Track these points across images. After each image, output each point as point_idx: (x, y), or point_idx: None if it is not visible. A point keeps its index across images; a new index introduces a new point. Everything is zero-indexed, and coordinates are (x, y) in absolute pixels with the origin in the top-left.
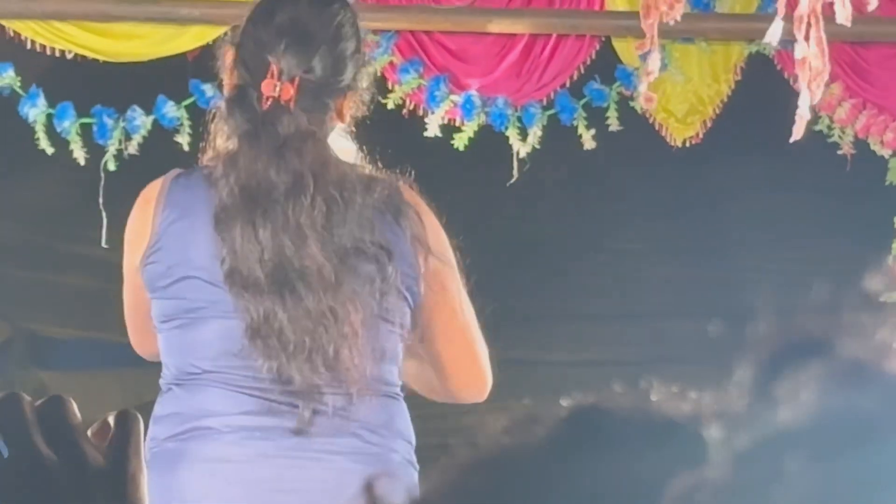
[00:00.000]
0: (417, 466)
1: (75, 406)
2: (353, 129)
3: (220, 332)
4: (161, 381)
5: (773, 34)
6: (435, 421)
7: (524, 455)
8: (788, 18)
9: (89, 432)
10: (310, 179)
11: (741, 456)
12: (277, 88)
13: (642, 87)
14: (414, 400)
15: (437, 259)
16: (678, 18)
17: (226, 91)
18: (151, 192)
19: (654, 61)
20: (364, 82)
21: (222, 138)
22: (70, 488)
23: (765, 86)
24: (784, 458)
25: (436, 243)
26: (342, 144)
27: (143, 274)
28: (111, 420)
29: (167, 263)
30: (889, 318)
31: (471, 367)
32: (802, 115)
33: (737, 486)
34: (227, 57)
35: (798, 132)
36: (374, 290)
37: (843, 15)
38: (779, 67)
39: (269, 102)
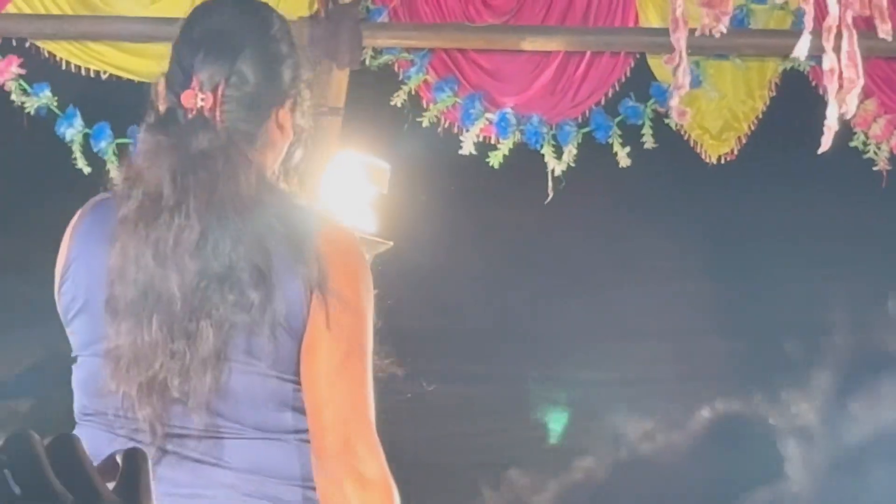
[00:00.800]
0: None
1: (84, 443)
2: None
3: (96, 365)
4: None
5: (801, 48)
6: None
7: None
8: (818, 33)
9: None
10: (191, 198)
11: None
12: (196, 99)
13: (674, 102)
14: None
15: (335, 299)
16: (724, 31)
17: (148, 118)
18: (73, 220)
19: (684, 75)
20: (303, 93)
21: (140, 158)
22: None
23: (800, 102)
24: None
25: (340, 284)
26: (377, 164)
27: (59, 304)
28: (118, 458)
29: (71, 294)
30: None
31: (353, 440)
32: (831, 126)
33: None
34: (160, 86)
35: (826, 143)
36: (240, 321)
37: (885, 29)
38: (813, 83)
39: (191, 115)
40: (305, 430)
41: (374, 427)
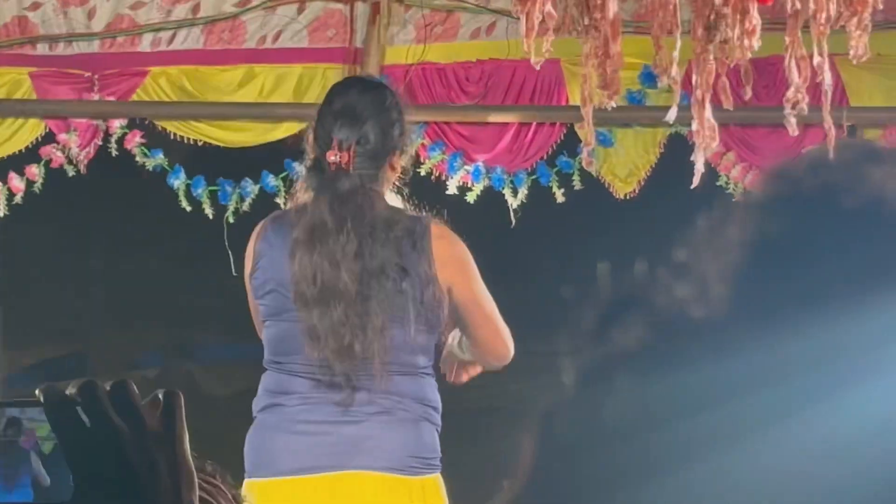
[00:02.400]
0: (437, 423)
1: (135, 387)
2: (401, 186)
3: (288, 333)
4: (264, 358)
5: (671, 115)
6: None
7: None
8: (687, 107)
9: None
10: (349, 221)
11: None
12: (337, 156)
13: (584, 154)
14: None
15: (454, 269)
16: (614, 105)
17: (308, 160)
18: (257, 229)
19: (591, 136)
20: (407, 143)
21: (302, 193)
22: (135, 448)
23: (680, 155)
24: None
25: (452, 257)
26: (392, 199)
27: (251, 284)
28: (160, 395)
29: (262, 279)
30: None
31: (496, 343)
32: (699, 169)
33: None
34: (309, 137)
35: (696, 181)
36: (394, 300)
37: (727, 103)
38: (690, 142)
39: (333, 167)
40: (427, 366)
41: (508, 339)
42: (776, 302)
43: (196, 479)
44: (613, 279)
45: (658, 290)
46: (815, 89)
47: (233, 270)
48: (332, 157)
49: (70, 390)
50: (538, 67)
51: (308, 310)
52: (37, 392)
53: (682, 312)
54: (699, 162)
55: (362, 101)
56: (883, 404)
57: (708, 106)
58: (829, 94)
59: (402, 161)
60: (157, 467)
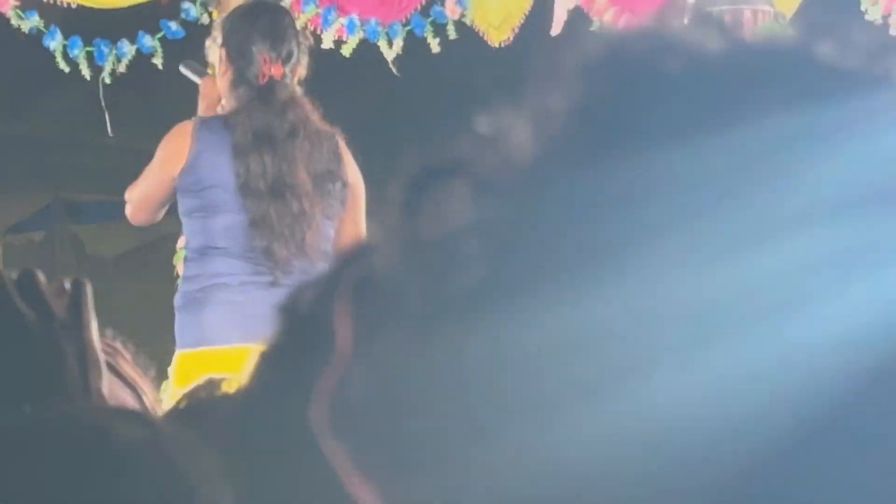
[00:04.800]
0: None
1: (42, 275)
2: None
3: (231, 222)
4: (186, 252)
5: None
6: None
7: None
8: None
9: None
10: (301, 128)
11: None
12: (271, 69)
13: (449, 2)
14: None
15: (355, 184)
16: None
17: (225, 74)
18: (185, 129)
19: None
20: (304, 58)
21: (228, 101)
22: (43, 335)
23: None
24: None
25: (354, 173)
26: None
27: (178, 181)
28: (67, 284)
29: (197, 176)
30: None
31: (358, 234)
32: (560, 15)
33: None
34: (219, 53)
35: (557, 28)
36: (330, 199)
37: None
38: None
39: (264, 79)
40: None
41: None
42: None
43: (104, 367)
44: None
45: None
46: None
47: (108, 131)
48: (268, 70)
49: None
50: None
51: (260, 203)
52: None
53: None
54: (559, 8)
55: (283, 22)
56: (804, 333)
57: None
58: None
59: (301, 72)
60: (65, 355)
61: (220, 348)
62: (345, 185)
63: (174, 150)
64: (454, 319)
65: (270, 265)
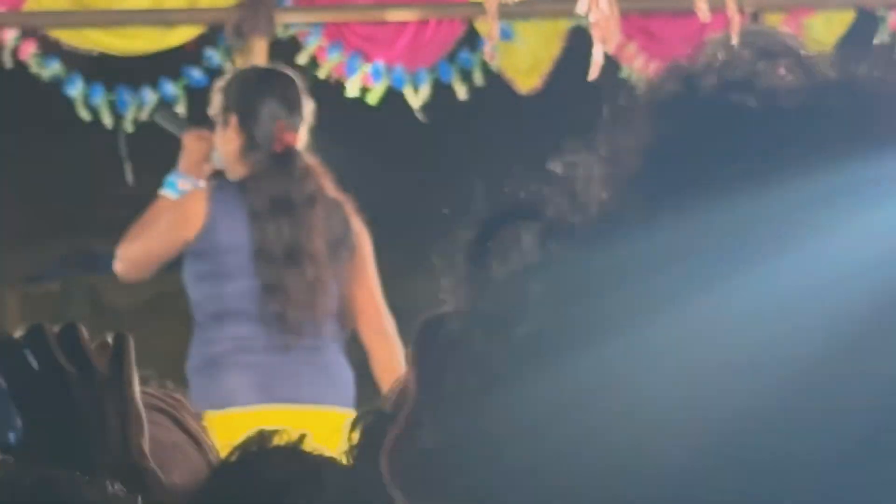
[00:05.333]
0: None
1: (85, 331)
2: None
3: (244, 288)
4: (197, 315)
5: (581, 7)
6: None
7: None
8: None
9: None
10: (318, 196)
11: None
12: (287, 136)
13: (487, 48)
14: None
15: (363, 248)
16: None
17: (233, 140)
18: (199, 193)
19: (495, 29)
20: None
21: (236, 164)
22: (84, 392)
23: (584, 48)
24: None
25: (363, 239)
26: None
27: (193, 244)
28: (109, 340)
29: (212, 242)
30: None
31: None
32: (597, 62)
33: None
34: (226, 118)
35: (594, 74)
36: (339, 264)
37: None
38: (590, 35)
39: (279, 147)
40: None
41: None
42: (676, 196)
43: (145, 424)
44: (519, 177)
45: (557, 190)
46: None
47: (129, 180)
48: (284, 137)
49: (18, 333)
50: None
51: (275, 269)
52: None
53: (581, 212)
54: (598, 54)
55: (296, 88)
56: (790, 278)
57: None
58: None
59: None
60: (106, 411)
61: (243, 410)
62: (353, 250)
63: (188, 214)
64: (520, 361)
65: (284, 329)
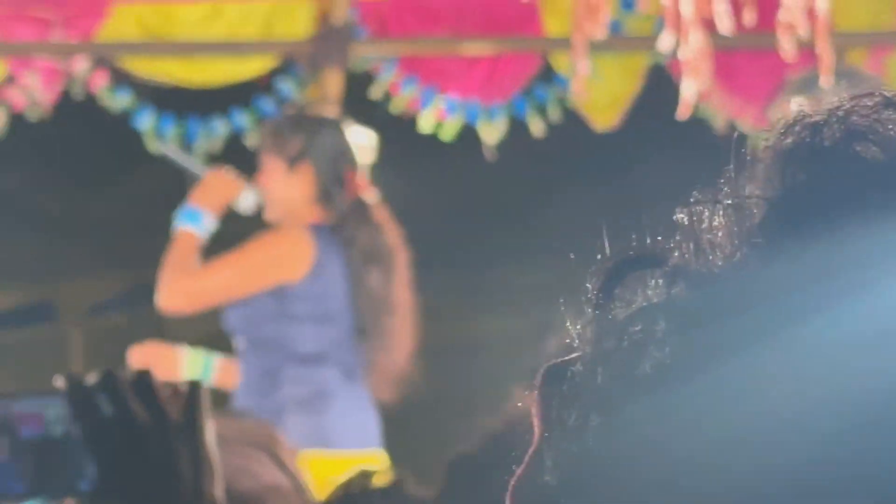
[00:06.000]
0: None
1: (157, 376)
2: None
3: (340, 332)
4: (285, 354)
5: (664, 43)
6: None
7: None
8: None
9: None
10: (399, 246)
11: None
12: (359, 186)
13: (574, 83)
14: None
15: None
16: (601, 37)
17: (307, 186)
18: (303, 236)
19: (583, 64)
20: None
21: (310, 213)
22: (157, 439)
23: (663, 85)
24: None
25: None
26: (365, 134)
27: (297, 284)
28: (182, 386)
29: (320, 285)
30: None
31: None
32: (686, 100)
33: None
34: (303, 166)
35: (683, 112)
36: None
37: (724, 27)
38: (669, 72)
39: (354, 196)
40: None
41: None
42: (798, 242)
43: (218, 472)
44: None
45: (682, 238)
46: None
47: None
48: (362, 184)
49: (91, 379)
50: None
51: (370, 316)
52: (55, 381)
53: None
54: (688, 91)
55: (354, 140)
56: (875, 321)
57: (700, 31)
58: (822, 15)
59: None
60: (179, 459)
61: (338, 452)
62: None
63: (293, 257)
64: (641, 397)
65: (372, 374)
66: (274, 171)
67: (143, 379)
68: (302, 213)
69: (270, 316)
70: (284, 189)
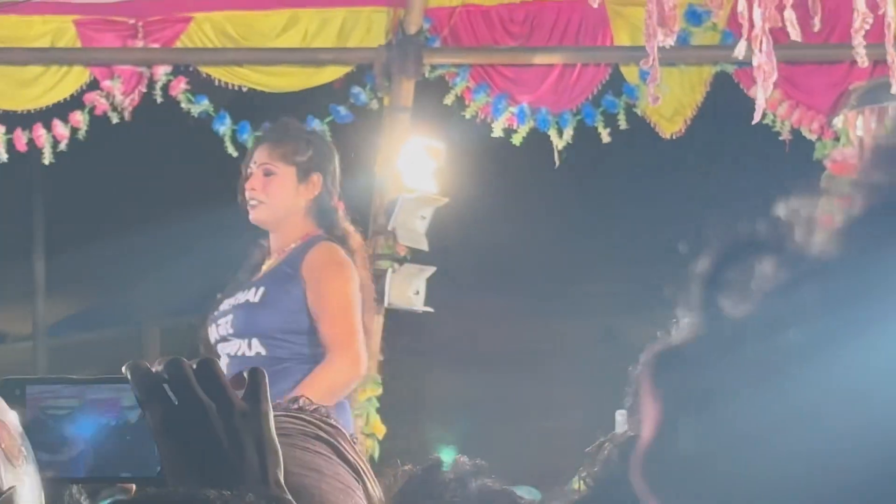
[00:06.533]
0: None
1: (221, 365)
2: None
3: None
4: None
5: (739, 51)
6: None
7: None
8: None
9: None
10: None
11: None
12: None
13: (650, 90)
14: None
15: None
16: (672, 43)
17: (313, 198)
18: (350, 262)
19: (656, 71)
20: None
21: (309, 224)
22: (222, 425)
23: (726, 94)
24: None
25: None
26: (435, 145)
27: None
28: (245, 374)
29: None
30: None
31: None
32: (760, 105)
33: None
34: (315, 180)
35: (758, 116)
36: None
37: (794, 34)
38: (735, 80)
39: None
40: None
41: None
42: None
43: (281, 457)
44: (673, 224)
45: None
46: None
47: None
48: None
49: (156, 367)
50: (595, 5)
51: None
52: (123, 369)
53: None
54: (760, 97)
55: None
56: None
57: (769, 40)
58: (893, 23)
59: None
60: (244, 445)
61: None
62: None
63: (356, 276)
64: (756, 388)
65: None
66: (286, 178)
67: (207, 367)
68: (299, 223)
69: (298, 325)
70: (294, 198)
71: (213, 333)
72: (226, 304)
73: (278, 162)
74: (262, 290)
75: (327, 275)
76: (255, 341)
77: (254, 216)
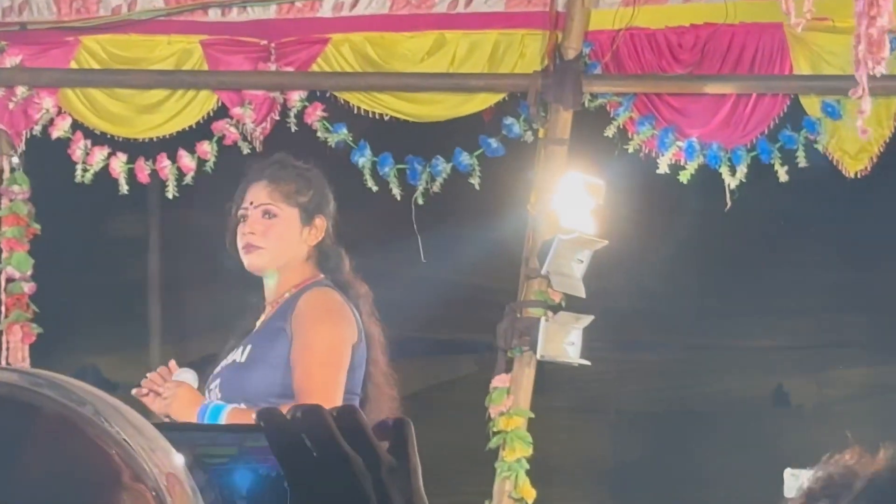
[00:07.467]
0: None
1: (363, 413)
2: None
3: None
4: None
5: None
6: None
7: None
8: None
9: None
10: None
11: None
12: None
13: (859, 123)
14: None
15: None
16: (883, 72)
17: (317, 238)
18: (340, 300)
19: (866, 103)
20: None
21: (309, 268)
22: (369, 480)
23: None
24: None
25: None
26: (594, 181)
27: (353, 353)
28: (390, 423)
29: (362, 350)
30: None
31: None
32: None
33: None
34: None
35: None
36: None
37: None
38: None
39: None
40: None
41: None
42: None
43: None
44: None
45: None
46: None
47: (422, 256)
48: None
49: (293, 414)
50: (799, 29)
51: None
52: (254, 416)
53: None
54: None
55: None
56: None
57: None
58: None
59: None
60: (393, 502)
61: None
62: None
63: (353, 326)
64: None
65: None
66: (290, 221)
67: (349, 414)
68: (298, 268)
69: (284, 387)
70: (297, 241)
71: (207, 399)
72: (219, 366)
73: (281, 203)
74: (248, 348)
75: (314, 321)
76: (242, 407)
77: (250, 263)
